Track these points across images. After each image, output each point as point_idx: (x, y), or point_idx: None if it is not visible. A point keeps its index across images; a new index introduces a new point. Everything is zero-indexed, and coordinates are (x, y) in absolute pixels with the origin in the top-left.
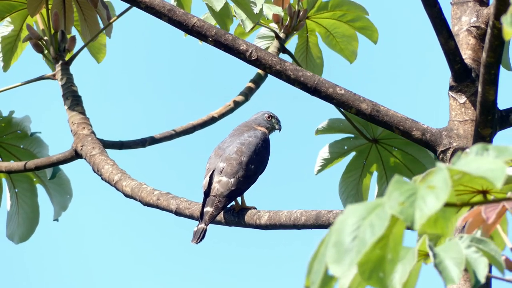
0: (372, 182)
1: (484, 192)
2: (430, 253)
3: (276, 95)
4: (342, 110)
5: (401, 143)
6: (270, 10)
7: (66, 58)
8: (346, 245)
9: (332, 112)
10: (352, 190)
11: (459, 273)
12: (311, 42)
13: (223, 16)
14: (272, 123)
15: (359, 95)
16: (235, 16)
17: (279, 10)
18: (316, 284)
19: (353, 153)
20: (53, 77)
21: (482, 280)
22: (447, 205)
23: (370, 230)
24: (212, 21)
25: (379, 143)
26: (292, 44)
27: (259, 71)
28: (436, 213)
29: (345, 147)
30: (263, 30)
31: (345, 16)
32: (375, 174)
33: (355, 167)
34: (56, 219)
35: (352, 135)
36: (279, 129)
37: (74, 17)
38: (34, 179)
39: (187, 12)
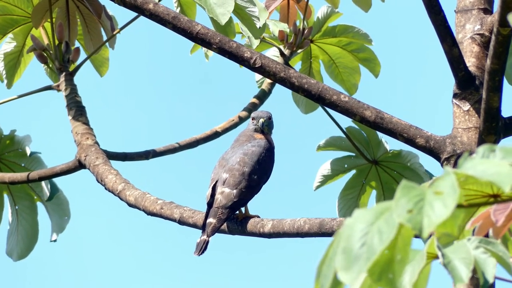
0: (371, 200)
1: (495, 196)
2: (439, 254)
3: (284, 106)
4: (344, 130)
5: (400, 166)
6: (276, 27)
7: (70, 69)
8: (355, 252)
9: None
10: (350, 207)
11: (468, 273)
12: (314, 69)
13: (227, 30)
14: (255, 124)
15: (363, 102)
16: (241, 33)
17: (284, 27)
18: None
19: (353, 171)
20: (57, 88)
21: (491, 280)
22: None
23: (378, 237)
24: None
25: (379, 165)
26: (295, 68)
27: (263, 87)
28: None
29: (346, 165)
30: (268, 54)
31: (350, 45)
32: (374, 192)
33: (354, 185)
34: (54, 240)
35: (353, 154)
36: (260, 130)
37: (78, 29)
38: (35, 197)
39: (191, 19)
